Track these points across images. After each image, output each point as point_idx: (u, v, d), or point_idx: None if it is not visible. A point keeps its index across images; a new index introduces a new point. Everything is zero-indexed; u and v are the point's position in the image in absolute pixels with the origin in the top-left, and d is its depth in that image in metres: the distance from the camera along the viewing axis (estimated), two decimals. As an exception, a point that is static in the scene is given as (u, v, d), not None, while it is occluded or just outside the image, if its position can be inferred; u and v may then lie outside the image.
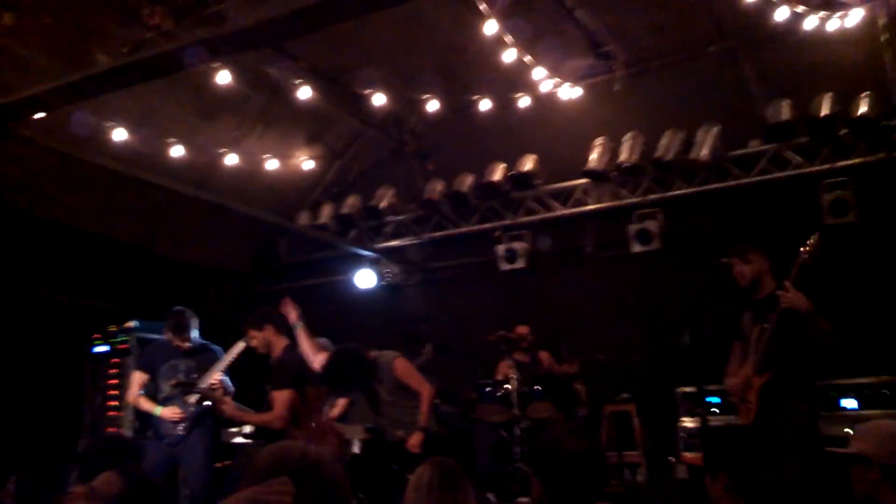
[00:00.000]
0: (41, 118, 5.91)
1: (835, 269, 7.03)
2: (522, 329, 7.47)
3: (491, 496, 5.90)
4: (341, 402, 7.13)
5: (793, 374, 4.84)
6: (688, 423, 6.67)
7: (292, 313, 5.89)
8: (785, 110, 6.99)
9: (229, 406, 5.79)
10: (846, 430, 5.93)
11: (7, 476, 3.25)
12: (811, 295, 4.75)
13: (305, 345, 5.82)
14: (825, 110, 6.79)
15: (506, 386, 6.84)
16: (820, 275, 7.00)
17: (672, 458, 6.43)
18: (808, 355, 4.85)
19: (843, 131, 6.90)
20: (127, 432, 7.14)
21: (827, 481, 4.23)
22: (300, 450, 2.00)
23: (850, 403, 6.21)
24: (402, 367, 5.71)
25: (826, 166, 7.00)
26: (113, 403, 7.50)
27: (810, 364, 4.88)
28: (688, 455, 5.38)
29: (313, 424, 5.61)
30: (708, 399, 6.48)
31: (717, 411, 6.47)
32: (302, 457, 1.94)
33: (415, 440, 5.46)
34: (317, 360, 5.75)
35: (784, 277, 4.90)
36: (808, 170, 7.11)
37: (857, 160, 6.93)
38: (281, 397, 5.49)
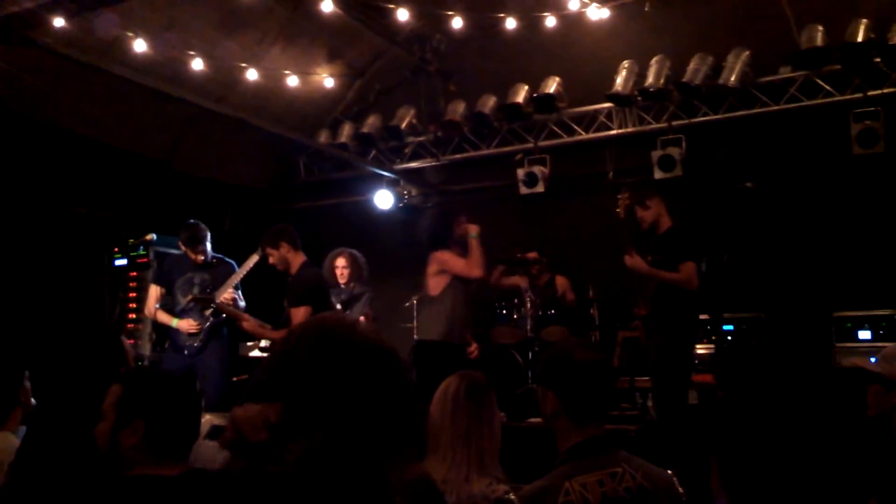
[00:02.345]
0: (62, 28, 5.85)
1: (859, 201, 6.96)
2: (531, 255, 7.45)
3: (502, 416, 5.98)
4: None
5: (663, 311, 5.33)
6: (700, 349, 6.69)
7: (471, 228, 5.93)
8: (818, 36, 6.79)
9: (249, 322, 5.90)
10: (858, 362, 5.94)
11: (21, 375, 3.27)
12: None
13: (475, 253, 5.83)
14: (860, 37, 6.58)
15: (522, 309, 6.88)
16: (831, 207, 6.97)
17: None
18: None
19: (877, 59, 6.71)
20: (145, 344, 7.28)
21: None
22: None
23: (865, 335, 6.21)
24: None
25: (858, 95, 6.82)
26: (132, 316, 7.61)
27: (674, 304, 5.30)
28: (698, 377, 5.48)
29: None
30: (724, 328, 6.50)
31: (730, 339, 6.52)
32: None
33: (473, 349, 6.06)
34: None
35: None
36: (838, 98, 6.94)
37: (889, 89, 6.75)
38: (298, 314, 5.53)
